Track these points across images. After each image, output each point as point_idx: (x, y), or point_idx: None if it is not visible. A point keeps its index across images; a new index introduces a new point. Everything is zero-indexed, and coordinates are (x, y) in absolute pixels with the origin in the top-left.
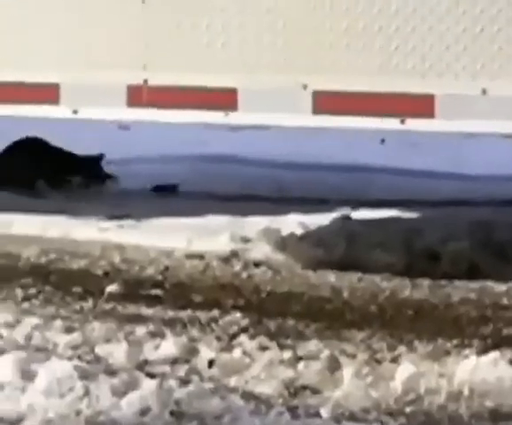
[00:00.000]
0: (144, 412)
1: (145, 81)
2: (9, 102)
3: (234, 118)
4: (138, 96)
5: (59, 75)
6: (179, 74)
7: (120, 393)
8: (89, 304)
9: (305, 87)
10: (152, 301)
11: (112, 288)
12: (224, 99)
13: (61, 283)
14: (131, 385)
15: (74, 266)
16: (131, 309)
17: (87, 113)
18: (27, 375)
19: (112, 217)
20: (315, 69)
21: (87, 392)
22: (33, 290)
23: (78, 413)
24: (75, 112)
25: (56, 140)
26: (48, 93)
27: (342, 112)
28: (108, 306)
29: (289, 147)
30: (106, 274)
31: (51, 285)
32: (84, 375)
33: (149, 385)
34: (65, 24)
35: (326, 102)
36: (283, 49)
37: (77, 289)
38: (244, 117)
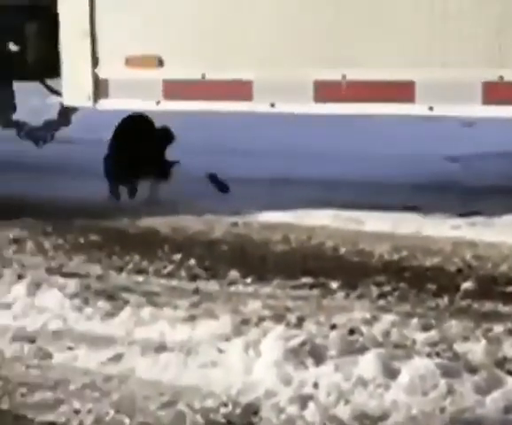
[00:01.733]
0: (509, 410)
1: (501, 78)
2: (364, 101)
3: None
4: (494, 92)
5: (416, 73)
6: None
7: (482, 391)
8: (444, 301)
9: None
10: (508, 298)
11: (467, 285)
12: None
13: (415, 280)
14: (493, 383)
15: (427, 263)
16: (487, 306)
17: (442, 110)
18: (390, 372)
19: (461, 214)
20: None
21: (450, 390)
22: (387, 287)
23: (442, 410)
24: (431, 108)
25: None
26: (403, 91)
27: None
28: (464, 303)
29: None
30: (459, 270)
31: (405, 282)
32: (446, 373)
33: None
34: (409, 24)
35: None
36: None
37: (431, 286)
38: None
